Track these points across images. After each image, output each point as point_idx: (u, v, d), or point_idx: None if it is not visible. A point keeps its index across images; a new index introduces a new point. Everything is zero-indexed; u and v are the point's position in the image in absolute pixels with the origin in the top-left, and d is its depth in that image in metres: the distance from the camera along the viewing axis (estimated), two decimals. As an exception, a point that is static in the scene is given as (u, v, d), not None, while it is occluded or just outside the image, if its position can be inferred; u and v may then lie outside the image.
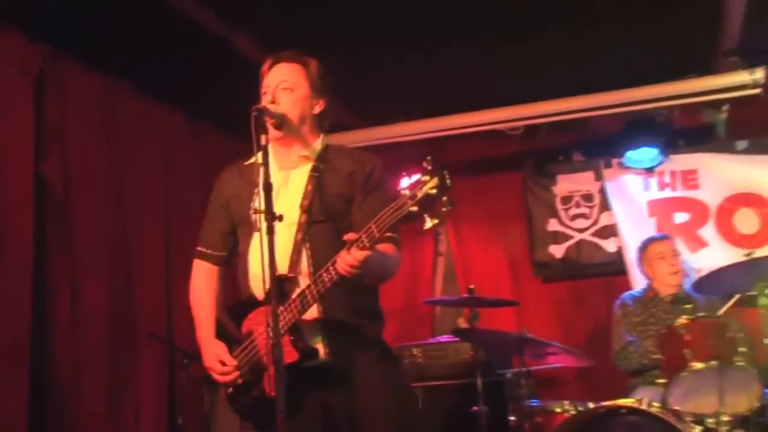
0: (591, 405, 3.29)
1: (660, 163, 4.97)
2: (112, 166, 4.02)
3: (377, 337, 2.39)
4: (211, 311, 2.46)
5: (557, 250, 5.23)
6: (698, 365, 3.06)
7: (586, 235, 5.20)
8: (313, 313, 2.23)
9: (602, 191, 5.16)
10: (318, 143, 2.42)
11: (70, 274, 3.66)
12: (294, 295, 2.18)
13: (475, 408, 3.74)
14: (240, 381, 2.32)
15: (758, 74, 4.27)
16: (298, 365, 2.17)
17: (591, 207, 5.22)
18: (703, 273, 4.03)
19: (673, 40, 4.09)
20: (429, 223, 1.94)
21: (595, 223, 5.19)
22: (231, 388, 2.35)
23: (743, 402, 3.02)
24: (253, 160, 2.29)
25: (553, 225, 5.27)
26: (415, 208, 1.92)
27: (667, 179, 5.01)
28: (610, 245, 5.12)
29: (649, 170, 5.02)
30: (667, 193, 5.00)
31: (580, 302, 5.11)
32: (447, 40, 3.99)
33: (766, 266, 3.37)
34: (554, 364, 4.04)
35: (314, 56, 2.45)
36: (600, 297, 4.85)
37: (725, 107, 4.83)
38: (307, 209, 2.30)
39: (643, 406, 3.05)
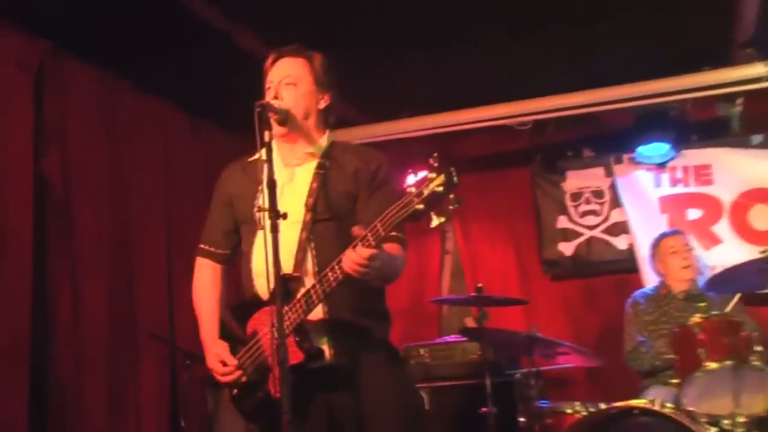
0: (602, 406, 3.28)
1: (672, 159, 4.95)
2: (112, 164, 4.02)
3: (384, 338, 2.38)
4: (214, 310, 2.46)
5: (567, 248, 5.22)
6: (713, 365, 3.05)
7: (596, 232, 5.19)
8: (318, 313, 2.22)
9: (613, 187, 5.15)
10: (324, 140, 2.41)
11: (70, 273, 3.67)
12: (299, 295, 2.18)
13: (483, 409, 3.73)
14: (243, 380, 2.31)
15: (773, 66, 4.25)
16: (304, 366, 2.16)
17: (601, 203, 5.20)
18: (717, 271, 4.02)
19: (686, 31, 4.07)
20: (436, 221, 1.93)
21: (606, 219, 5.17)
22: (236, 390, 2.35)
23: (760, 403, 3.01)
24: (256, 156, 2.28)
25: (562, 222, 5.25)
26: (421, 206, 1.91)
27: (680, 175, 4.99)
28: (621, 242, 5.11)
29: (661, 166, 5.00)
30: (680, 189, 4.98)
31: (590, 301, 5.09)
32: (453, 34, 3.98)
33: (782, 263, 3.35)
34: (564, 364, 4.03)
35: (318, 51, 2.44)
36: (611, 295, 4.83)
37: (740, 100, 4.80)
38: (312, 207, 2.29)
39: (656, 407, 3.03)
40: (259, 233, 2.31)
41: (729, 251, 4.72)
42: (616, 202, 5.14)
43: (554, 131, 5.15)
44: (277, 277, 2.00)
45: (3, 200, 3.38)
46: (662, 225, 4.84)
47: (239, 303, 2.42)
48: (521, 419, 3.62)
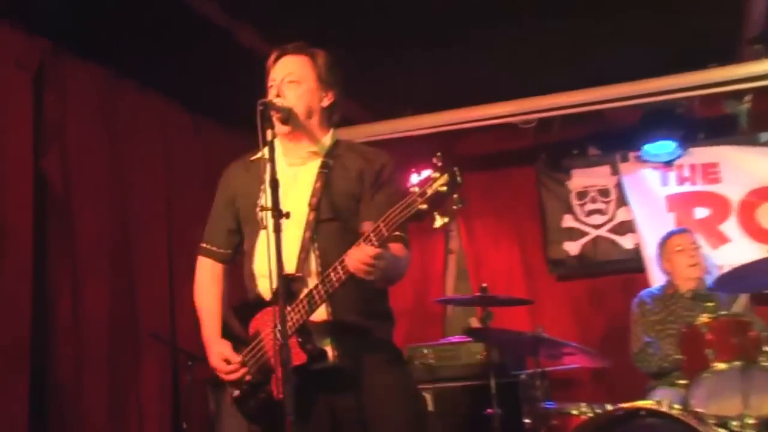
0: (609, 407, 3.27)
1: (679, 157, 4.95)
2: (113, 163, 4.02)
3: (387, 339, 2.38)
4: (216, 310, 2.45)
5: (572, 247, 5.21)
6: (721, 365, 3.04)
7: (602, 232, 5.18)
8: (322, 314, 2.22)
9: (619, 186, 5.14)
10: (327, 138, 2.41)
11: (70, 273, 3.67)
12: (302, 296, 2.17)
13: (488, 410, 3.73)
14: (247, 379, 2.31)
15: (783, 63, 4.24)
16: (306, 368, 2.16)
17: (607, 202, 5.20)
18: (725, 270, 4.00)
19: (693, 27, 4.06)
20: (439, 222, 1.93)
21: (612, 219, 5.17)
22: (238, 391, 2.35)
23: (769, 404, 2.99)
24: (259, 155, 2.27)
25: (567, 221, 5.25)
26: (424, 206, 1.91)
27: (687, 173, 4.98)
28: (627, 242, 5.10)
29: (668, 164, 4.99)
30: (687, 188, 4.97)
31: (596, 301, 5.09)
32: (457, 31, 3.98)
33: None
34: (570, 364, 4.03)
35: (320, 48, 2.44)
36: (617, 295, 4.82)
37: (748, 97, 4.79)
38: (315, 207, 2.29)
39: (664, 408, 3.02)
40: (262, 233, 2.31)
41: (737, 250, 4.72)
42: (622, 201, 5.13)
43: (559, 129, 5.14)
44: (279, 277, 1.99)
45: (3, 200, 3.38)
46: (669, 224, 4.83)
47: (242, 303, 2.42)
48: (526, 420, 3.61)
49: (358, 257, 2.02)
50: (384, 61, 4.20)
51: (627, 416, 3.14)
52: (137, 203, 4.13)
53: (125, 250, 4.02)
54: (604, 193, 5.21)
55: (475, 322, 4.75)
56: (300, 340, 2.17)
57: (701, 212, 4.92)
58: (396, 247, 2.21)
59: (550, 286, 5.23)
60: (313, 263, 2.26)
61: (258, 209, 2.27)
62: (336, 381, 2.24)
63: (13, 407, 3.26)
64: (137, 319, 4.02)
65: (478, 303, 4.04)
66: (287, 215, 2.05)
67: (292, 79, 2.35)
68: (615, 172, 5.16)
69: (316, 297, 2.14)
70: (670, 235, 4.10)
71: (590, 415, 3.34)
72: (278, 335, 2.18)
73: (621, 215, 5.14)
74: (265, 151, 2.13)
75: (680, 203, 4.97)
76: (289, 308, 2.14)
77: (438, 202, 1.91)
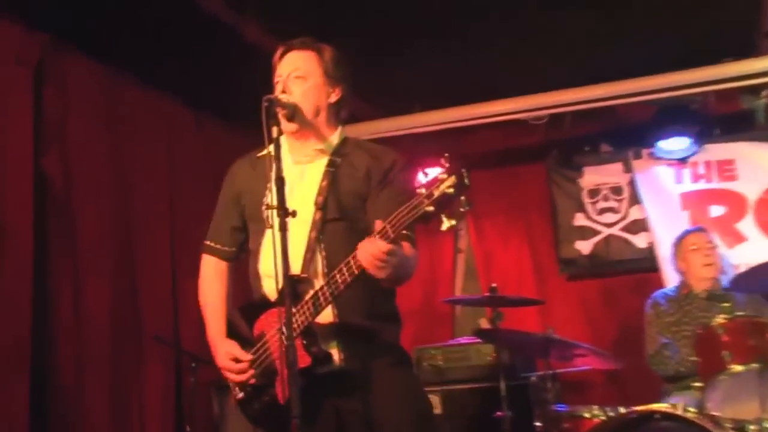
0: (622, 410, 3.26)
1: (694, 153, 4.94)
2: (114, 160, 4.03)
3: (394, 341, 2.37)
4: (221, 309, 2.45)
5: (584, 246, 5.20)
6: (738, 368, 3.02)
7: (614, 230, 5.17)
8: (328, 316, 2.22)
9: (632, 184, 5.13)
10: (335, 136, 2.40)
11: (72, 273, 3.68)
12: (307, 297, 2.17)
13: (498, 413, 3.73)
14: (253, 381, 2.31)
15: (801, 57, 4.22)
16: (311, 371, 2.16)
17: (620, 200, 5.19)
18: (742, 269, 3.99)
19: (709, 21, 4.04)
20: (446, 224, 1.92)
21: (625, 217, 5.16)
22: (242, 393, 2.35)
23: (787, 407, 2.98)
24: (265, 152, 2.27)
25: (579, 219, 5.24)
26: (431, 208, 1.90)
27: (702, 170, 4.97)
28: (640, 241, 5.09)
29: (682, 161, 4.98)
30: (702, 185, 4.96)
31: (609, 301, 5.08)
32: (466, 25, 3.96)
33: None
34: (582, 366, 4.00)
35: (326, 43, 2.43)
36: (630, 295, 4.81)
37: (765, 92, 4.77)
38: (321, 206, 2.28)
39: (679, 411, 3.00)
40: (267, 232, 2.29)
41: (754, 249, 4.70)
42: (635, 199, 5.12)
43: (571, 125, 5.13)
44: (285, 277, 1.99)
45: (3, 199, 3.38)
46: (683, 222, 4.82)
47: (247, 304, 2.42)
48: (537, 424, 3.60)
49: (372, 251, 2.00)
50: (391, 56, 4.20)
51: (641, 419, 3.13)
52: (139, 202, 4.13)
53: (127, 250, 4.03)
54: (616, 190, 5.20)
55: (484, 323, 4.74)
56: (305, 342, 2.17)
57: (717, 210, 4.90)
58: (404, 246, 2.20)
59: (561, 286, 5.22)
60: (320, 264, 2.25)
61: (264, 207, 2.27)
62: (342, 384, 2.23)
63: (13, 408, 3.27)
64: (139, 320, 4.02)
65: (488, 303, 4.03)
66: (293, 214, 2.04)
67: (298, 75, 2.34)
68: (628, 169, 5.15)
69: (321, 299, 2.14)
70: (685, 234, 4.09)
71: (603, 418, 3.33)
72: (283, 337, 2.19)
73: (634, 213, 5.13)
74: (271, 148, 2.12)
75: (695, 201, 4.95)
76: (294, 310, 2.14)
77: (445, 204, 1.90)
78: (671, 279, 4.36)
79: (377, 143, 2.53)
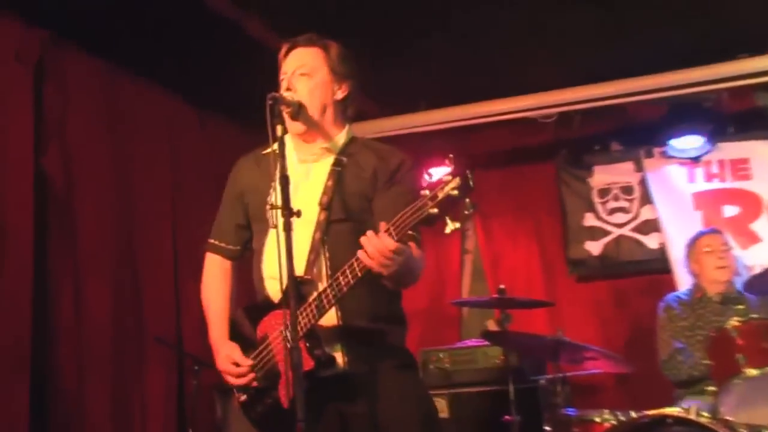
0: (633, 414, 3.24)
1: (707, 152, 4.92)
2: (116, 159, 4.03)
3: (399, 344, 2.36)
4: (224, 310, 2.45)
5: (594, 247, 5.19)
6: (753, 372, 3.00)
7: (625, 231, 5.16)
8: (332, 319, 2.21)
9: (643, 183, 5.12)
10: (342, 135, 2.39)
11: (72, 273, 3.68)
12: (310, 299, 2.16)
13: (506, 417, 3.72)
14: (255, 384, 2.31)
15: (817, 53, 4.20)
16: (314, 374, 2.15)
17: (631, 200, 5.17)
18: (756, 271, 3.97)
19: (722, 16, 4.02)
20: (450, 226, 1.92)
21: (636, 217, 5.15)
22: (244, 396, 2.34)
23: (804, 412, 2.96)
24: (271, 149, 2.26)
25: (589, 220, 5.23)
26: (435, 211, 1.90)
27: (715, 169, 4.95)
28: (652, 241, 5.07)
29: (695, 160, 4.96)
30: (715, 185, 4.94)
31: (619, 303, 5.06)
32: (473, 20, 3.95)
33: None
34: (592, 369, 4.00)
35: (331, 39, 2.42)
36: (642, 297, 4.80)
37: (780, 89, 4.75)
38: (326, 206, 2.27)
39: (692, 416, 2.99)
40: (271, 232, 2.30)
41: (769, 251, 4.68)
42: (646, 199, 5.11)
43: (580, 124, 5.11)
44: (290, 279, 1.98)
45: (2, 198, 3.39)
46: (696, 223, 4.80)
47: (251, 305, 2.41)
48: (547, 428, 3.59)
49: (378, 246, 1.98)
50: (396, 52, 4.18)
51: (652, 424, 3.12)
52: (141, 201, 4.14)
53: (128, 249, 4.03)
54: (627, 190, 5.19)
55: (492, 325, 4.73)
56: (308, 345, 2.16)
57: (730, 210, 4.88)
58: (411, 247, 2.19)
59: (571, 288, 5.21)
60: (323, 266, 2.24)
61: (267, 207, 2.26)
62: (346, 387, 2.23)
63: (13, 410, 3.27)
64: (141, 321, 4.03)
65: (496, 305, 4.02)
66: (297, 213, 2.03)
67: (303, 72, 2.33)
68: (639, 168, 5.13)
69: (325, 301, 2.13)
70: (699, 235, 4.07)
71: (613, 422, 3.32)
72: (287, 339, 2.18)
73: (645, 214, 5.12)
74: (275, 146, 2.12)
75: (708, 201, 4.94)
76: (297, 312, 2.13)
77: (449, 206, 1.90)
78: (683, 281, 4.35)
79: (383, 142, 2.53)
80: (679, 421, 3.05)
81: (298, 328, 2.12)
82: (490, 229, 5.41)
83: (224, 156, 3.45)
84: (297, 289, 2.06)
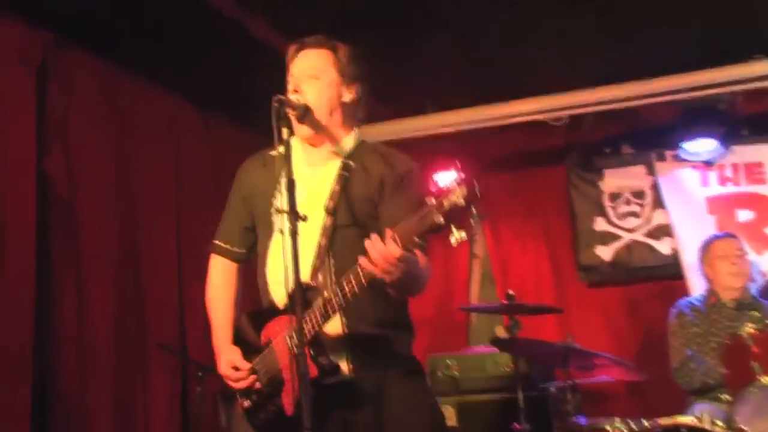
0: (645, 423, 3.23)
1: (720, 156, 4.89)
2: (119, 161, 4.03)
3: (406, 351, 2.36)
4: (228, 314, 2.45)
5: (605, 252, 5.18)
6: (768, 380, 2.99)
7: (637, 236, 5.15)
8: (337, 326, 2.20)
9: (655, 187, 5.11)
10: (350, 138, 2.38)
11: (75, 278, 3.68)
12: (315, 306, 2.15)
13: (515, 425, 3.70)
14: (257, 386, 2.30)
15: (833, 54, 4.18)
16: (319, 382, 2.14)
17: (642, 204, 5.16)
18: (771, 277, 3.95)
19: (736, 16, 4.00)
20: (456, 236, 1.90)
21: (648, 222, 5.14)
22: (248, 402, 2.34)
23: (820, 422, 2.94)
24: (277, 152, 2.25)
25: (600, 224, 5.22)
26: (440, 220, 1.88)
27: (729, 173, 4.93)
28: (664, 247, 5.06)
29: (708, 163, 4.95)
30: (729, 189, 4.92)
31: (631, 309, 5.05)
32: (483, 21, 3.94)
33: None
34: (603, 377, 3.99)
35: (337, 40, 2.41)
36: (654, 303, 4.78)
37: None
38: (332, 211, 2.27)
39: (705, 425, 2.98)
40: (276, 236, 2.29)
41: (784, 256, 4.66)
42: (658, 203, 5.10)
43: (591, 126, 5.10)
44: (297, 284, 1.97)
45: (4, 200, 3.39)
46: (709, 227, 4.78)
47: (255, 310, 2.41)
48: (556, 437, 3.58)
49: (382, 252, 1.97)
50: (403, 54, 4.18)
51: (665, 433, 3.10)
52: (144, 203, 4.14)
53: (132, 252, 4.03)
54: (638, 194, 5.18)
55: (501, 331, 4.71)
56: (312, 353, 2.16)
57: (744, 215, 4.86)
58: (417, 254, 2.17)
59: (581, 294, 5.19)
60: (328, 272, 2.23)
61: (273, 210, 2.26)
62: (352, 395, 2.22)
63: (15, 416, 3.27)
64: (145, 326, 4.02)
65: (505, 311, 4.00)
66: (304, 218, 2.02)
67: (311, 74, 2.32)
68: (651, 172, 5.12)
69: (329, 308, 2.12)
70: (714, 239, 4.04)
71: (625, 431, 3.30)
72: (290, 346, 2.17)
73: (657, 218, 5.10)
74: (281, 149, 2.11)
75: (722, 205, 4.92)
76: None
77: (455, 216, 1.88)
78: (697, 287, 4.33)
79: (391, 146, 2.51)
80: (692, 429, 3.04)
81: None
82: (499, 233, 5.40)
83: (228, 157, 3.45)
84: (302, 295, 2.06)
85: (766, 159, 4.86)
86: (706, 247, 4.01)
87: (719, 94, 4.59)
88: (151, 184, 4.20)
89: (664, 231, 5.06)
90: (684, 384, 3.78)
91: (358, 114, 2.42)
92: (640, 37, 4.18)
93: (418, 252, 2.12)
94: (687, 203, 5.01)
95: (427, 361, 4.39)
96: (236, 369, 2.30)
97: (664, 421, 3.13)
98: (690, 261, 4.52)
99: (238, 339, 2.39)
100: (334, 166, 2.33)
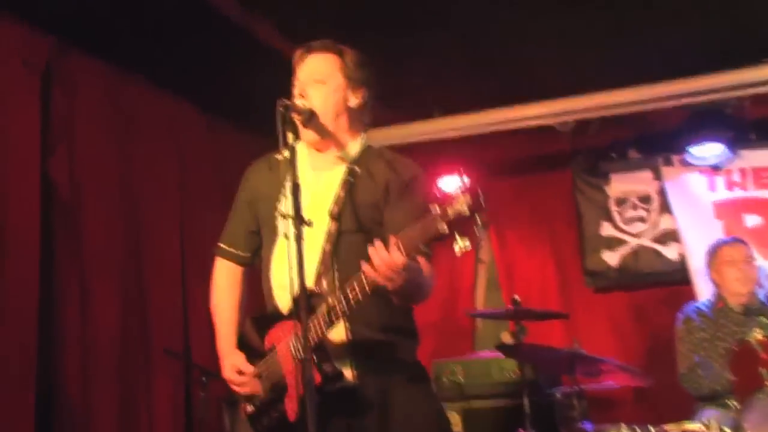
0: (652, 429, 3.21)
1: (728, 160, 4.87)
2: (123, 166, 4.04)
3: (410, 357, 2.35)
4: (232, 318, 2.44)
5: (611, 257, 5.17)
6: (776, 387, 2.98)
7: (643, 241, 5.13)
8: (341, 332, 2.20)
9: (661, 192, 5.09)
10: (356, 143, 2.38)
11: (78, 281, 3.68)
12: (319, 312, 2.14)
13: (521, 431, 3.69)
14: (260, 394, 2.30)
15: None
16: (322, 388, 2.14)
17: (649, 209, 5.15)
18: (779, 282, 3.93)
19: (744, 20, 3.99)
20: (460, 245, 1.89)
21: (654, 227, 5.13)
22: (251, 407, 2.34)
23: (829, 428, 2.92)
24: (284, 156, 2.25)
25: (606, 229, 5.20)
26: (444, 228, 1.88)
27: (737, 178, 4.92)
28: (671, 252, 5.04)
29: (716, 168, 4.93)
30: (737, 194, 4.91)
31: (638, 315, 5.03)
32: (489, 25, 3.94)
33: None
34: (610, 383, 3.98)
35: (340, 43, 2.41)
36: (661, 309, 4.76)
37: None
38: (336, 217, 2.26)
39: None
40: (280, 241, 2.29)
41: (792, 261, 4.63)
42: (665, 208, 5.08)
43: (597, 131, 5.08)
44: (302, 290, 1.96)
45: (8, 204, 3.40)
46: (717, 232, 4.77)
47: (260, 314, 2.40)
48: (563, 443, 3.57)
49: (385, 260, 1.96)
50: (409, 58, 4.18)
51: (672, 439, 3.09)
52: (149, 207, 4.14)
53: (136, 258, 4.03)
54: (645, 199, 5.17)
55: (506, 337, 4.70)
56: (316, 359, 2.15)
57: (752, 220, 4.85)
58: (420, 262, 2.17)
59: (588, 299, 5.18)
60: (332, 278, 2.22)
61: (277, 214, 2.25)
62: (356, 401, 2.21)
63: (19, 421, 3.27)
64: (148, 331, 4.02)
65: (511, 316, 4.00)
66: (309, 223, 2.02)
67: (317, 79, 2.32)
68: (657, 176, 5.11)
69: (333, 315, 2.11)
70: (722, 244, 4.02)
71: (632, 437, 3.29)
72: (294, 351, 2.17)
73: (664, 223, 5.09)
74: (287, 153, 2.11)
75: (729, 210, 4.90)
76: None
77: (459, 224, 1.88)
78: (704, 292, 4.31)
79: (395, 150, 2.51)
80: (700, 436, 3.02)
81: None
82: (504, 238, 5.39)
83: (232, 161, 3.45)
84: (307, 301, 2.05)
85: (774, 164, 4.86)
86: (714, 252, 3.99)
87: (727, 98, 4.58)
88: (155, 187, 4.20)
89: (671, 236, 5.04)
90: (691, 390, 3.76)
91: (365, 119, 2.41)
92: (646, 41, 4.17)
93: (422, 259, 2.12)
94: (694, 208, 4.99)
95: (432, 366, 4.39)
96: (240, 373, 2.30)
97: (671, 427, 3.12)
98: (697, 266, 4.50)
99: (242, 343, 2.38)
100: (340, 171, 2.33)
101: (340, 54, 2.37)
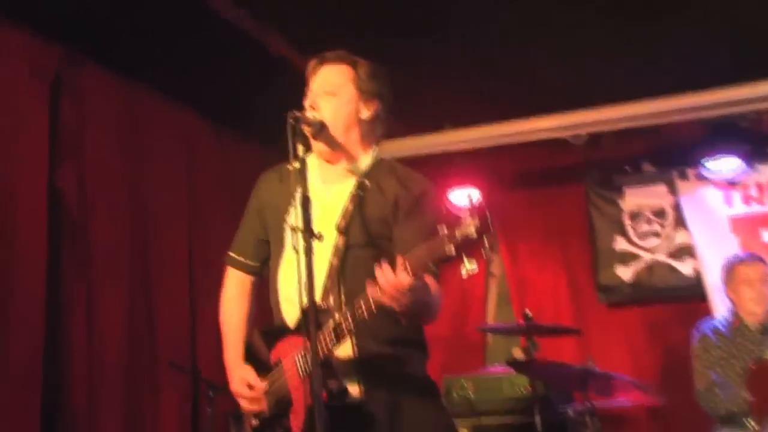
0: (666, 449, 3.19)
1: (744, 174, 4.85)
2: (132, 177, 4.05)
3: (420, 371, 2.33)
4: (240, 329, 2.44)
5: (625, 272, 5.14)
6: (795, 406, 2.94)
7: (658, 256, 5.11)
8: (347, 348, 2.18)
9: (676, 206, 5.07)
10: (367, 156, 2.36)
11: (85, 292, 3.69)
12: (325, 329, 2.12)
13: (533, 450, 3.66)
14: (266, 410, 2.28)
15: None
16: (327, 405, 2.12)
17: (663, 224, 5.13)
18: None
19: (760, 32, 3.97)
20: (467, 267, 1.89)
21: (669, 242, 5.10)
22: (257, 421, 2.32)
23: None
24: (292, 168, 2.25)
25: (620, 244, 5.18)
26: (452, 251, 1.87)
27: (754, 192, 4.89)
28: (686, 267, 5.02)
29: (732, 182, 4.90)
30: (754, 209, 4.88)
31: (652, 331, 5.00)
32: (499, 37, 3.94)
33: None
34: (623, 400, 3.95)
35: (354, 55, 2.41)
36: (676, 326, 4.73)
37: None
38: (344, 231, 2.25)
39: (730, 453, 2.93)
40: (287, 253, 2.28)
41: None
42: (680, 223, 5.05)
43: (611, 144, 5.07)
44: (311, 304, 1.95)
45: (17, 213, 3.41)
46: (733, 248, 4.74)
47: (267, 328, 2.39)
48: (575, 462, 3.54)
49: (391, 281, 1.95)
50: (420, 71, 4.18)
51: (687, 460, 3.05)
52: (157, 219, 4.15)
53: (144, 270, 4.04)
54: (659, 213, 5.14)
55: (518, 353, 4.67)
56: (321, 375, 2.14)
57: (769, 235, 4.81)
58: (428, 280, 2.15)
59: (601, 315, 5.15)
60: (339, 293, 2.21)
61: (286, 226, 2.25)
62: (363, 417, 2.19)
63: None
64: (156, 344, 4.02)
65: (522, 331, 3.98)
66: (319, 237, 2.01)
67: (328, 90, 2.31)
68: (672, 190, 5.09)
69: (339, 332, 2.10)
70: (738, 262, 3.97)
71: (646, 457, 3.26)
72: (299, 367, 2.17)
73: (679, 238, 5.07)
74: (297, 165, 2.10)
75: (745, 225, 4.88)
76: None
77: (466, 247, 1.87)
78: (720, 308, 4.28)
79: (405, 163, 2.49)
80: (716, 457, 2.99)
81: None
82: (516, 252, 5.37)
83: (241, 172, 3.46)
84: (315, 317, 2.04)
85: (791, 178, 4.83)
86: (730, 271, 3.95)
87: (743, 111, 4.56)
88: (163, 197, 4.21)
89: (686, 251, 5.02)
90: (708, 409, 3.73)
91: (378, 131, 2.40)
92: (661, 53, 4.17)
93: (429, 278, 2.11)
94: (710, 223, 4.96)
95: (442, 381, 4.36)
96: (250, 387, 2.29)
97: (686, 447, 3.09)
98: (713, 282, 4.47)
99: (250, 355, 2.37)
100: (349, 184, 2.32)
101: (353, 65, 2.36)
